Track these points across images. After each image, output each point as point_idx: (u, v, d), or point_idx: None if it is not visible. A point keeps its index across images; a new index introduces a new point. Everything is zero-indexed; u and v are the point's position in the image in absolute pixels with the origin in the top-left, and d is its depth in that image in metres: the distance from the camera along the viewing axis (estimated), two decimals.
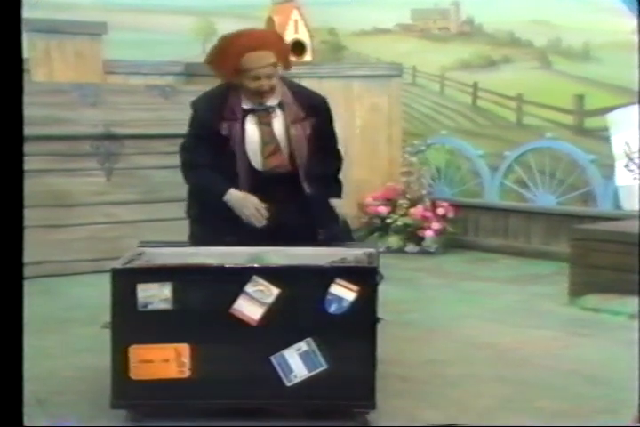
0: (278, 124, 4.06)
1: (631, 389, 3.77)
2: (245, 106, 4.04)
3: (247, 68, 3.93)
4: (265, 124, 4.05)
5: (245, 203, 3.96)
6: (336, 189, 4.25)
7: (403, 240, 7.94)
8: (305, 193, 4.06)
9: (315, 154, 4.10)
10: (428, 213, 7.96)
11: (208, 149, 4.00)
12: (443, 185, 8.63)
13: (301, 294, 3.55)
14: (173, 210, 7.09)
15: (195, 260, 3.79)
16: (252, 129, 4.04)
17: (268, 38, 4.09)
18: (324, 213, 4.13)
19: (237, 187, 4.00)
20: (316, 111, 4.12)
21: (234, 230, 3.98)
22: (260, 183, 4.01)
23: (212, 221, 4.04)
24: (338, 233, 4.15)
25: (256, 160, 4.04)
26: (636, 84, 6.25)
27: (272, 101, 4.05)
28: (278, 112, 4.06)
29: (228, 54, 3.96)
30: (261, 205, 3.97)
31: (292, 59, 7.99)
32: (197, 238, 4.14)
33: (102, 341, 3.65)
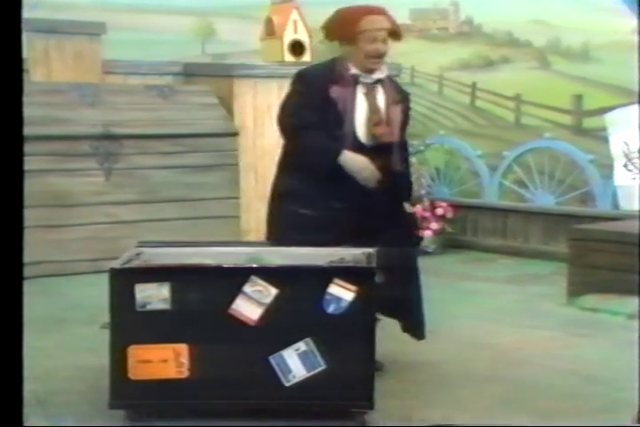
0: (381, 99, 4.19)
1: (630, 388, 3.78)
2: (354, 72, 4.14)
3: (365, 29, 4.10)
4: (371, 95, 4.16)
5: (363, 165, 4.05)
6: (410, 190, 4.45)
7: None
8: (393, 170, 4.16)
9: (402, 137, 4.27)
10: (427, 214, 7.96)
11: (315, 112, 4.07)
12: (442, 185, 8.63)
13: (300, 294, 3.55)
14: (173, 210, 7.14)
15: (193, 260, 3.80)
16: (361, 97, 4.14)
17: (383, 8, 4.24)
18: (405, 193, 4.31)
19: None
20: (404, 100, 4.31)
21: (338, 196, 4.05)
22: (360, 151, 4.08)
23: (314, 187, 4.07)
24: (412, 218, 4.37)
25: (360, 127, 4.12)
26: (635, 84, 6.25)
27: (378, 74, 4.19)
28: (380, 89, 4.20)
29: (348, 18, 4.15)
30: (374, 168, 4.06)
31: (292, 59, 8.02)
32: (291, 209, 4.12)
33: (101, 341, 3.65)
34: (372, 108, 4.14)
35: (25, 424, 2.58)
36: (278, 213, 4.23)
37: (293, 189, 4.16)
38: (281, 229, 4.19)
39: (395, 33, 4.20)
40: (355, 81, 4.14)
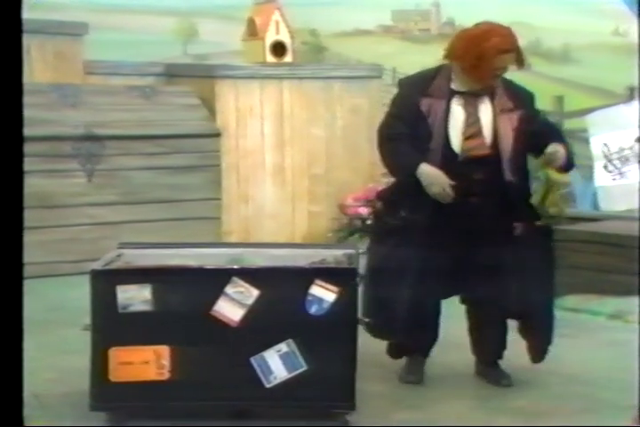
0: (486, 111, 4.09)
1: (611, 388, 3.81)
2: (454, 87, 4.08)
3: (495, 68, 4.01)
4: (471, 106, 4.08)
5: (434, 180, 3.98)
6: (526, 198, 4.21)
7: None
8: (504, 181, 4.04)
9: (518, 146, 4.08)
10: None
11: (405, 124, 4.06)
12: None
13: (281, 295, 3.56)
14: (155, 211, 7.12)
15: (175, 261, 3.79)
16: (457, 109, 4.07)
17: (515, 40, 4.12)
18: (523, 205, 4.09)
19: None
20: (523, 104, 4.17)
21: (416, 207, 4.03)
22: (452, 164, 4.02)
23: (400, 197, 4.10)
24: (534, 231, 4.12)
25: (455, 140, 4.06)
26: (615, 85, 6.28)
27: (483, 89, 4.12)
28: (486, 99, 4.10)
29: (484, 53, 3.97)
30: (448, 184, 3.97)
31: (273, 60, 8.03)
32: (384, 219, 4.14)
33: (83, 342, 3.65)
34: (469, 120, 4.05)
35: (25, 424, 2.58)
36: (375, 225, 4.39)
37: (387, 198, 4.22)
38: (372, 239, 4.31)
39: (520, 63, 4.12)
40: (451, 94, 4.06)
